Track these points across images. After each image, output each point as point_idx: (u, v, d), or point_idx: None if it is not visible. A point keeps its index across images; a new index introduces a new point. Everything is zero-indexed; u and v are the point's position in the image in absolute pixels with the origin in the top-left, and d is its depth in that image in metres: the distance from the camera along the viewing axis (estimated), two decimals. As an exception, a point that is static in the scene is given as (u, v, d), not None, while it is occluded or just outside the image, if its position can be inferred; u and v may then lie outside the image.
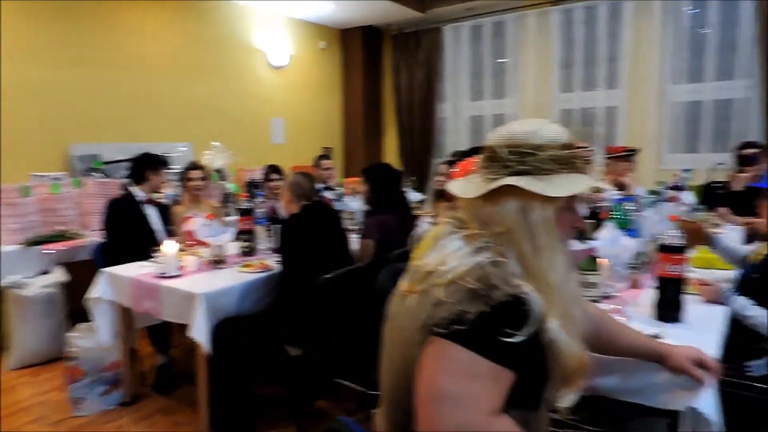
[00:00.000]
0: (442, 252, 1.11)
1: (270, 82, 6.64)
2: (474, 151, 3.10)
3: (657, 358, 1.50)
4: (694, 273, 2.40)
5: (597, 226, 2.09)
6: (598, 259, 2.09)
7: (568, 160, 1.10)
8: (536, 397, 1.11)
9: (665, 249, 1.87)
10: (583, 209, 1.05)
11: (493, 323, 0.99)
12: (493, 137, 1.17)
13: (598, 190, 1.14)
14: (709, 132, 5.60)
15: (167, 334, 3.47)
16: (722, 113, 5.56)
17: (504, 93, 6.76)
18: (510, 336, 0.98)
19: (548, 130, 1.12)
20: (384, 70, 7.73)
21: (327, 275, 2.39)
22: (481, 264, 1.04)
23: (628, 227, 2.48)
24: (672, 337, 1.73)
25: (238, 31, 6.21)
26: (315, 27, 7.15)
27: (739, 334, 2.06)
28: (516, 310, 1.00)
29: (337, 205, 4.21)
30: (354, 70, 7.48)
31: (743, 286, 2.13)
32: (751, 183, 3.20)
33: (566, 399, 1.16)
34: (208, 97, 5.90)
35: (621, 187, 4.24)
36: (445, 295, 1.03)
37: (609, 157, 4.54)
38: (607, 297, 2.12)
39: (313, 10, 6.56)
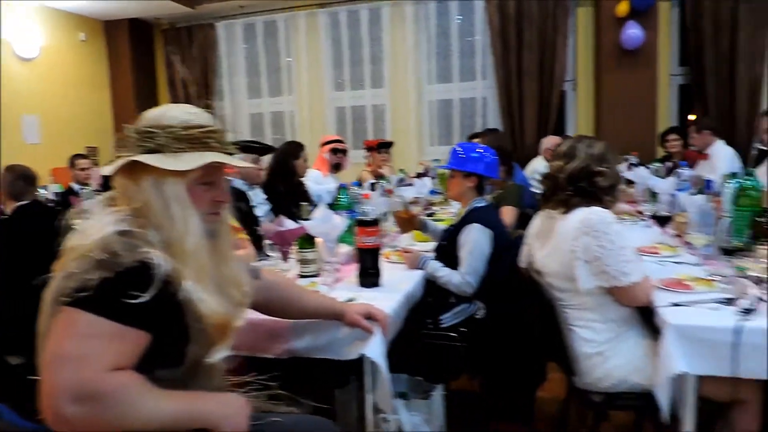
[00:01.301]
0: (85, 228, 1.15)
1: (18, 76, 5.91)
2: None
3: (336, 316, 1.70)
4: (415, 246, 2.77)
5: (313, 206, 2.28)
6: (315, 238, 2.28)
7: (197, 139, 1.21)
8: (179, 354, 1.20)
9: (361, 223, 2.12)
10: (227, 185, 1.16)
11: (117, 287, 1.06)
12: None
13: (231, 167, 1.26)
14: (458, 127, 6.37)
15: None
16: (468, 110, 6.37)
17: (281, 91, 6.90)
18: (134, 298, 1.06)
19: (177, 112, 1.22)
20: (158, 65, 7.37)
21: (44, 277, 2.24)
22: (108, 235, 1.10)
23: (351, 209, 2.74)
24: (366, 298, 1.96)
25: (-30, 16, 5.42)
26: (72, 17, 6.53)
27: (435, 293, 2.42)
28: (140, 273, 1.08)
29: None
30: (122, 65, 7.00)
31: (438, 253, 2.50)
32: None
33: (218, 355, 1.28)
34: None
35: (380, 176, 4.65)
36: (74, 267, 1.08)
37: (367, 150, 4.95)
38: (328, 271, 2.34)
39: (66, -3, 6.00)
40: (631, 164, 4.31)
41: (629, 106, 5.60)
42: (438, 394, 2.22)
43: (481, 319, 2.37)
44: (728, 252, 1.97)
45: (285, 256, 2.24)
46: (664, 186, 3.04)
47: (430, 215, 3.71)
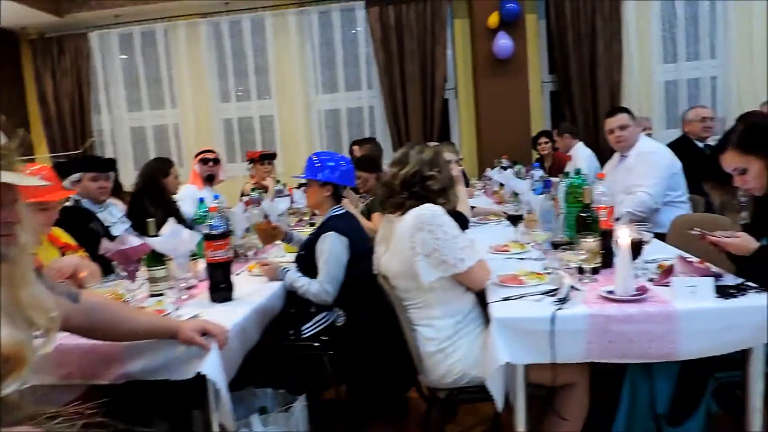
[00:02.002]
0: None
1: None
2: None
3: (170, 334, 1.65)
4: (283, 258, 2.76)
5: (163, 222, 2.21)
6: (164, 254, 2.20)
7: None
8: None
9: (209, 237, 2.08)
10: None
11: None
12: None
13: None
14: (347, 136, 6.42)
15: None
16: (356, 119, 6.45)
17: (163, 103, 6.65)
18: None
19: None
20: (26, 78, 6.86)
21: None
22: None
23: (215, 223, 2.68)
24: (212, 314, 1.92)
25: None
26: None
27: (297, 304, 2.42)
28: None
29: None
30: (-17, 78, 6.46)
31: (299, 263, 2.50)
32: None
33: (9, 387, 1.20)
34: None
35: (264, 188, 4.59)
36: None
37: (250, 161, 4.87)
38: (188, 288, 2.27)
39: None
40: (503, 167, 4.54)
41: (505, 112, 5.91)
42: (299, 405, 2.21)
43: (341, 326, 2.40)
44: (559, 246, 2.11)
45: (131, 276, 2.14)
46: (523, 187, 3.22)
47: (312, 225, 3.70)
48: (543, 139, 5.45)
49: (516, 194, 3.53)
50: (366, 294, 2.34)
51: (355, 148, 4.94)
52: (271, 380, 2.28)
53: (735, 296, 1.69)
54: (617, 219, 2.65)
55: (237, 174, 6.04)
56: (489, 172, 4.89)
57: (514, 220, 2.82)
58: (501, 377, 1.73)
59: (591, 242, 1.98)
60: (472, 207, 3.67)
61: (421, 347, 1.94)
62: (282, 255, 2.91)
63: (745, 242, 1.89)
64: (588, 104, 6.00)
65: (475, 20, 5.93)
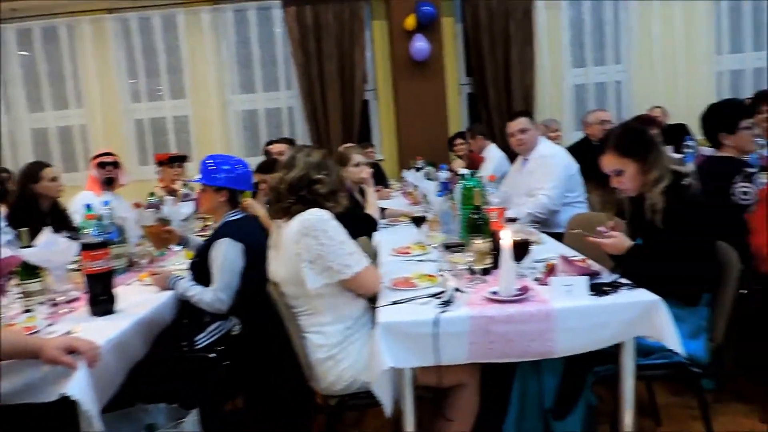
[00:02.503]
0: None
1: None
2: None
3: (33, 353, 1.54)
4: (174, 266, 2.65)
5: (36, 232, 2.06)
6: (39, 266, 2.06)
7: None
8: None
9: (86, 247, 1.95)
10: None
11: None
12: None
13: None
14: (265, 137, 6.28)
15: None
16: (274, 120, 6.34)
17: (68, 103, 6.27)
18: None
19: None
20: None
21: None
22: None
23: (108, 231, 2.53)
24: (89, 329, 1.81)
25: None
26: None
27: (190, 314, 2.33)
28: None
29: None
30: None
31: (193, 270, 2.40)
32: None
33: None
34: None
35: (173, 192, 4.41)
36: None
37: (158, 164, 4.67)
38: (68, 301, 2.13)
39: None
40: (417, 168, 4.58)
41: (423, 114, 5.98)
42: (191, 419, 2.12)
43: (237, 335, 2.32)
44: (451, 247, 2.14)
45: (1, 291, 1.99)
46: (429, 188, 3.26)
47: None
48: (459, 141, 5.55)
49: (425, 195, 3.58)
50: (263, 301, 2.28)
51: (270, 147, 4.83)
52: (164, 395, 2.18)
53: (608, 294, 1.76)
54: (514, 220, 2.73)
55: (150, 177, 5.78)
56: (404, 173, 4.92)
57: (417, 221, 2.83)
58: (387, 382, 1.72)
59: (480, 244, 2.02)
60: (384, 209, 3.68)
61: (311, 355, 1.91)
62: (182, 262, 2.79)
63: (618, 242, 1.98)
64: (503, 106, 6.16)
65: (393, 22, 5.96)
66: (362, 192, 3.36)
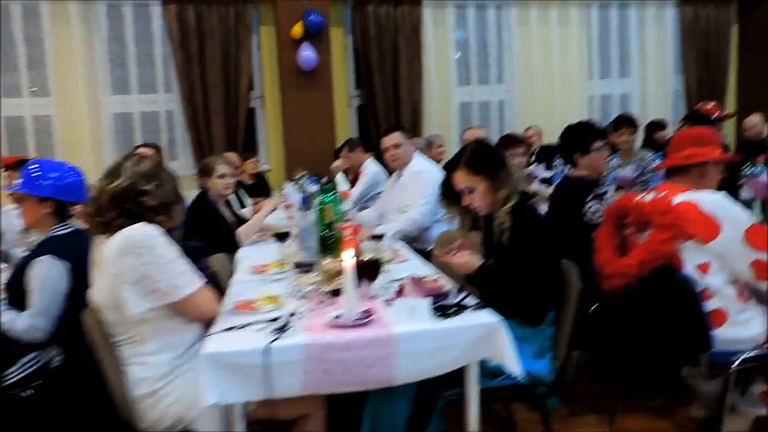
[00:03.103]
0: None
1: None
2: None
3: None
4: None
5: None
6: None
7: None
8: None
9: None
10: None
11: None
12: None
13: None
14: (142, 142, 5.84)
15: None
16: (151, 124, 5.92)
17: None
18: None
19: None
20: None
21: None
22: None
23: None
24: None
25: None
26: None
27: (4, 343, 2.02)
28: None
29: None
30: None
31: (9, 292, 2.10)
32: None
33: None
34: None
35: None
36: None
37: (6, 169, 4.17)
38: None
39: None
40: (296, 180, 4.43)
41: (311, 124, 5.84)
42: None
43: (57, 367, 2.05)
44: (301, 267, 2.02)
45: None
46: (299, 201, 3.11)
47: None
48: (344, 152, 5.45)
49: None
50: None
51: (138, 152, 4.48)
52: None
53: (451, 316, 1.71)
54: (380, 237, 2.65)
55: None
56: (285, 185, 4.75)
57: (281, 237, 2.68)
58: (213, 418, 1.56)
59: (329, 263, 1.91)
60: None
61: (131, 391, 1.70)
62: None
63: (466, 261, 1.95)
64: (392, 119, 6.15)
65: (280, 29, 5.79)
66: (228, 204, 3.16)
